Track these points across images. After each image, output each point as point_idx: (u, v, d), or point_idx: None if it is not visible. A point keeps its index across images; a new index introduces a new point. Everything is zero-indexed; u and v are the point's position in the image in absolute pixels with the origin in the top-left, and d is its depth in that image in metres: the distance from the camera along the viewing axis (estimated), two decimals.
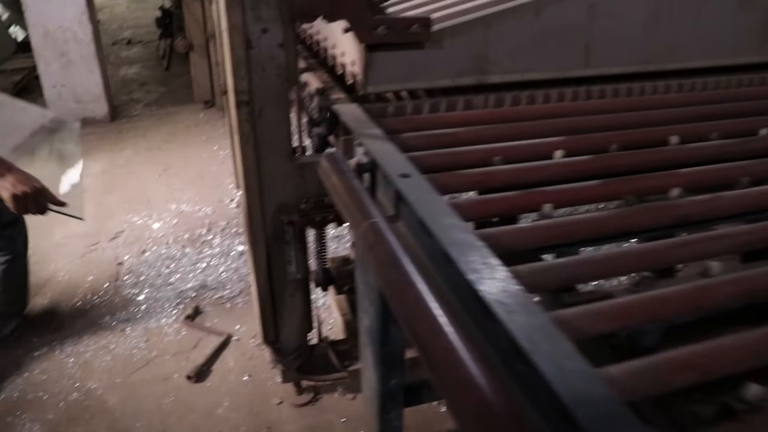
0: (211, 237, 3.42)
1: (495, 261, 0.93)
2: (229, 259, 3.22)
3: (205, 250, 3.31)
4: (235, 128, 1.82)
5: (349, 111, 1.77)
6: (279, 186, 1.93)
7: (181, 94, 5.61)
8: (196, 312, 2.83)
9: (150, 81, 6.06)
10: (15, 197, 1.77)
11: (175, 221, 3.58)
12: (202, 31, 4.94)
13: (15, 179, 1.79)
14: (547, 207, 1.20)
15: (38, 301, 2.92)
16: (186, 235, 3.44)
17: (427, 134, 1.63)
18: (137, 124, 5.02)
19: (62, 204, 1.88)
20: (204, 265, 3.18)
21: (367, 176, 1.43)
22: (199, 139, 4.70)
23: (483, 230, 1.11)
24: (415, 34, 1.77)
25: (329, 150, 1.72)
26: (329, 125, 1.89)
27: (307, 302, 2.19)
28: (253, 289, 2.11)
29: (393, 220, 1.22)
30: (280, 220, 1.99)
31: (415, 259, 0.97)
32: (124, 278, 3.07)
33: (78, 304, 2.90)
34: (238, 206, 3.72)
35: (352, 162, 1.45)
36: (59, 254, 3.29)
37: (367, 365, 1.58)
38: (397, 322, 0.98)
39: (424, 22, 1.73)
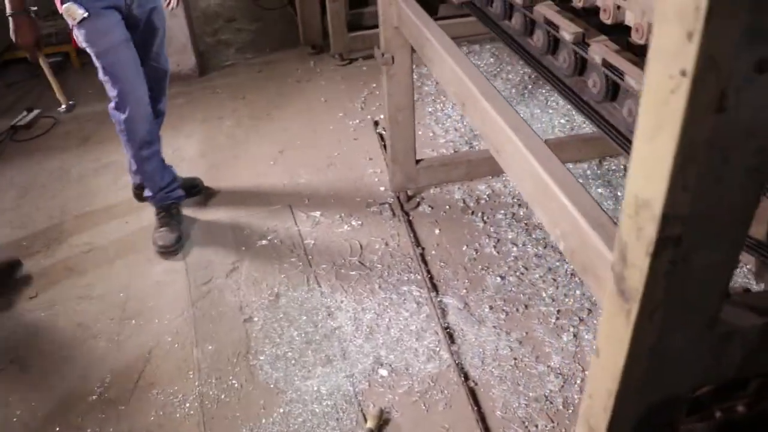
0: (368, 271, 2.45)
1: None
2: (403, 312, 2.27)
3: (365, 296, 2.35)
4: (623, 290, 0.80)
5: None
6: (677, 371, 0.93)
7: (279, 34, 4.54)
8: (382, 421, 1.90)
9: (238, 15, 4.98)
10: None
11: (311, 242, 2.62)
12: None
13: (17, 29, 2.22)
14: None
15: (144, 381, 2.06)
16: (333, 268, 2.48)
17: None
18: (233, 79, 4.00)
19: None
20: (368, 323, 2.23)
21: None
22: (317, 102, 3.66)
23: None
24: None
25: None
26: None
27: None
28: None
29: None
30: (655, 425, 1.00)
31: None
32: (257, 351, 2.16)
33: (196, 393, 2.02)
34: (395, 216, 2.72)
35: None
36: (162, 300, 2.42)
37: None
38: None
39: None
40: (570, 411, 1.92)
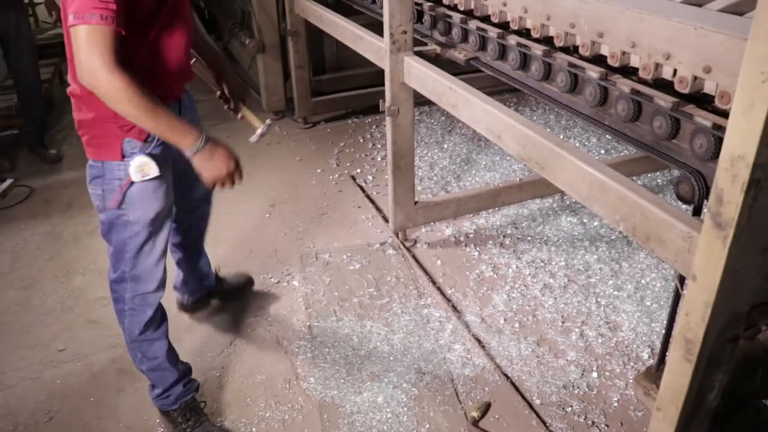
0: (387, 299, 2.78)
1: None
2: (429, 330, 2.60)
3: (391, 320, 2.67)
4: (719, 222, 1.22)
5: None
6: (741, 291, 1.35)
7: None
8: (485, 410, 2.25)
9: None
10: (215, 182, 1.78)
11: (327, 279, 2.93)
12: (276, 28, 4.22)
13: (219, 162, 1.75)
14: None
15: None
16: (355, 300, 2.80)
17: None
18: None
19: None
20: (400, 342, 2.55)
21: None
22: (293, 161, 4.02)
23: None
24: None
25: None
26: None
27: None
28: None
29: None
30: (725, 336, 1.42)
31: None
32: (305, 376, 2.42)
33: (259, 417, 2.25)
34: (396, 250, 3.08)
35: None
36: (199, 342, 2.61)
37: None
38: None
39: None
40: (594, 392, 2.31)
